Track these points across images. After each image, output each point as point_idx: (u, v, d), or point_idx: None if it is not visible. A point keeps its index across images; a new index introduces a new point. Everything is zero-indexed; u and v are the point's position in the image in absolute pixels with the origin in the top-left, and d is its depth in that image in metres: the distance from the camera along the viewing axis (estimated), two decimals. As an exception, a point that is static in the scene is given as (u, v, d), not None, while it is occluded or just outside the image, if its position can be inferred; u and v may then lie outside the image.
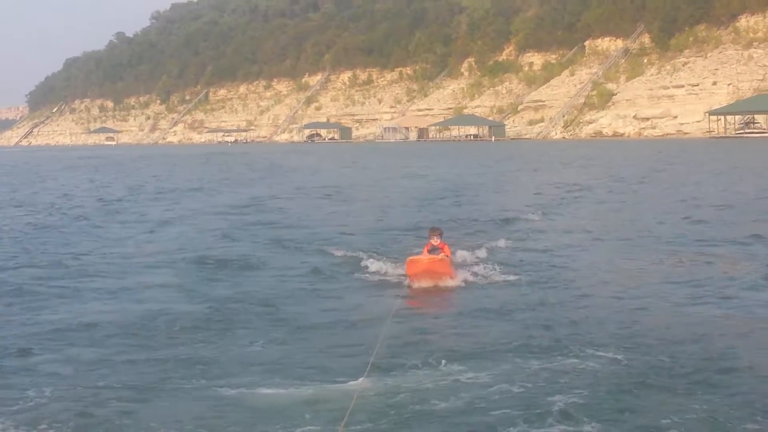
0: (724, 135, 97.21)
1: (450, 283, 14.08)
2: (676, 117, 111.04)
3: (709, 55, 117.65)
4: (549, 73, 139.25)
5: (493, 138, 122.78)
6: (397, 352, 9.89)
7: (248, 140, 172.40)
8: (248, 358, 9.83)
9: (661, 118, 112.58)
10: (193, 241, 19.92)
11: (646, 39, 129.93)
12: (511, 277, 14.42)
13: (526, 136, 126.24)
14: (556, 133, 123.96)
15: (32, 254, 18.05)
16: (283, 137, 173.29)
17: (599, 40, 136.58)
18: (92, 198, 33.96)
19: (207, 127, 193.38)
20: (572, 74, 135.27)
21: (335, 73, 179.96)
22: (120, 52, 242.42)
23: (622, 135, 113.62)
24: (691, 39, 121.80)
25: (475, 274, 14.70)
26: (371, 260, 16.11)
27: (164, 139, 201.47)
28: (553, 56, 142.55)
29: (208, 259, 17.00)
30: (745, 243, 17.38)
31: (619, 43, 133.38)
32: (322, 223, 23.18)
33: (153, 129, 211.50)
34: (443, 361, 9.44)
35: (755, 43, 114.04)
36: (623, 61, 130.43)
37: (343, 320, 11.72)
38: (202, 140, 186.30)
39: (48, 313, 12.34)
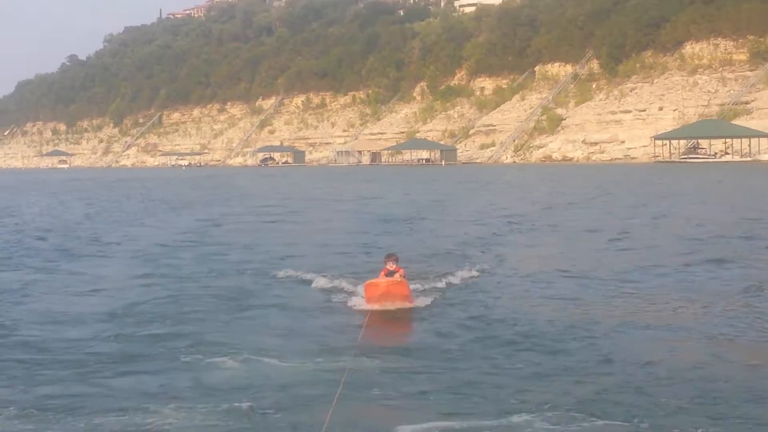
0: (669, 160, 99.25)
1: (408, 305, 14.11)
2: (623, 142, 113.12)
3: (655, 81, 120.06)
4: (500, 97, 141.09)
5: (443, 162, 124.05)
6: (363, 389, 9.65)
7: (202, 164, 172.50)
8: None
9: (609, 142, 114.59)
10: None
11: (594, 65, 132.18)
12: (464, 301, 14.69)
13: (478, 161, 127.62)
14: (507, 158, 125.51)
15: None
16: (237, 161, 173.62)
17: (549, 66, 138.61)
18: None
19: (161, 151, 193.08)
20: (523, 99, 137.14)
21: (289, 97, 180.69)
22: (73, 74, 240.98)
23: (571, 159, 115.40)
24: (638, 65, 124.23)
25: (431, 298, 14.78)
26: (323, 279, 16.47)
27: (117, 162, 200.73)
28: (504, 81, 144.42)
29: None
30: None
31: (569, 69, 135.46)
32: (272, 245, 23.55)
33: (106, 152, 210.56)
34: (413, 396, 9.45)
35: (700, 70, 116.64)
36: (572, 86, 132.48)
37: (306, 348, 11.53)
38: (156, 163, 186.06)
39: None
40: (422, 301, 14.47)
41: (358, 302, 14.41)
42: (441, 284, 16.20)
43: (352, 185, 64.78)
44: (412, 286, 14.87)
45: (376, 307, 13.82)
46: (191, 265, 19.82)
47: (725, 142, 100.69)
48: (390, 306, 13.87)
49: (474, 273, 17.50)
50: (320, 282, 16.56)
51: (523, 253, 21.45)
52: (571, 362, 10.62)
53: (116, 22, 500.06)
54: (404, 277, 14.53)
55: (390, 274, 14.48)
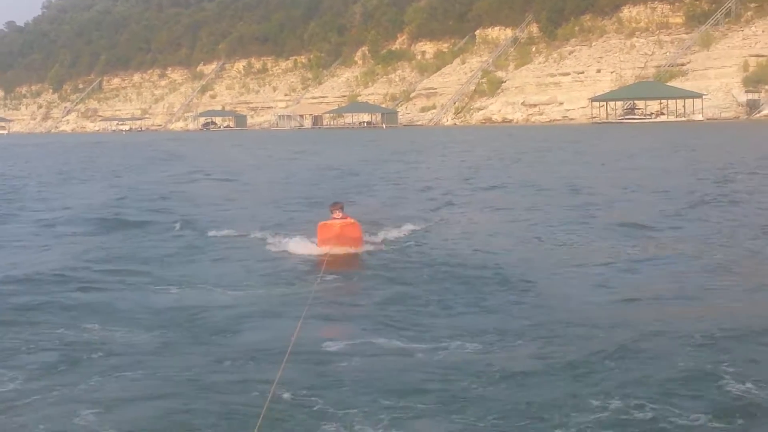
0: (606, 121, 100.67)
1: (360, 249, 14.43)
2: (562, 104, 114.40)
3: (593, 44, 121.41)
4: (441, 61, 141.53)
5: (384, 125, 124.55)
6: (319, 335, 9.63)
7: (143, 129, 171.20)
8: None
9: (548, 104, 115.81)
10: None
11: (534, 28, 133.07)
12: (419, 243, 15.28)
13: (419, 123, 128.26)
14: (448, 120, 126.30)
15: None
16: (178, 125, 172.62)
17: (489, 30, 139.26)
18: None
19: (101, 116, 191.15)
20: (463, 62, 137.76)
21: (230, 62, 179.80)
22: (11, 41, 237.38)
23: (510, 121, 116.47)
24: (576, 29, 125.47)
25: (382, 242, 15.30)
26: (274, 237, 16.16)
27: (57, 128, 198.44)
28: (445, 45, 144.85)
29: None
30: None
31: (509, 33, 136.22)
32: (220, 206, 23.39)
33: (45, 118, 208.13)
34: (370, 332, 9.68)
35: (637, 33, 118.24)
36: (512, 49, 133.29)
37: (263, 302, 11.35)
38: (96, 129, 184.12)
39: None
40: (372, 246, 14.78)
41: (309, 246, 14.69)
42: (387, 233, 16.41)
43: (292, 147, 64.88)
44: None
45: (328, 249, 13.96)
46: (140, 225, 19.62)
47: (660, 103, 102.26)
48: (341, 249, 14.02)
49: (418, 225, 17.68)
50: (259, 234, 16.65)
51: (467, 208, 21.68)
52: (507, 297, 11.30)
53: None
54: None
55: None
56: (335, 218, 14.40)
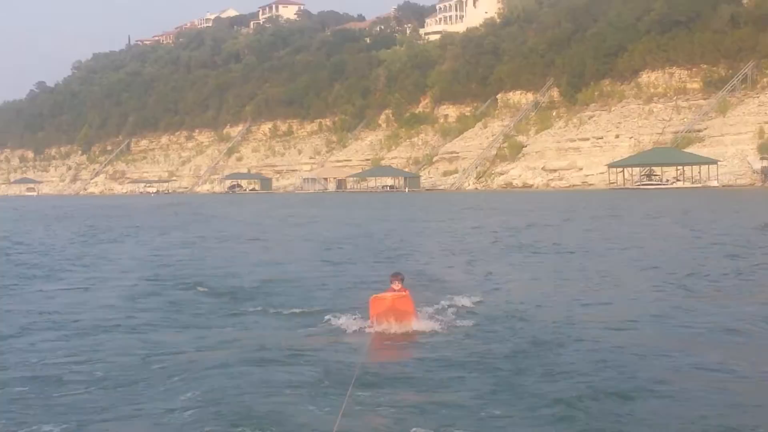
0: (623, 186, 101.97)
1: (414, 324, 14.00)
2: (581, 169, 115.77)
3: (613, 109, 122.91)
4: (463, 125, 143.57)
5: (407, 189, 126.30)
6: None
7: (170, 191, 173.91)
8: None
9: (568, 169, 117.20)
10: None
11: (555, 93, 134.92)
12: (471, 322, 14.53)
13: (441, 187, 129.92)
14: (469, 184, 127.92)
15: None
16: (205, 188, 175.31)
17: (511, 94, 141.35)
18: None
19: (129, 178, 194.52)
20: (485, 126, 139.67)
21: (256, 124, 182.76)
22: (41, 101, 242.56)
23: (531, 186, 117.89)
24: (596, 93, 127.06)
25: (436, 318, 14.73)
26: (329, 315, 15.40)
27: (86, 189, 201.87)
28: (467, 108, 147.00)
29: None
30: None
31: (530, 97, 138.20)
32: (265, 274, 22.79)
33: (74, 179, 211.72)
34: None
35: (655, 98, 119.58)
36: (533, 114, 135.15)
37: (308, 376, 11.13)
38: (124, 191, 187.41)
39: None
40: (426, 324, 14.24)
41: (359, 322, 14.36)
42: (442, 306, 15.94)
43: (325, 211, 65.95)
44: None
45: (380, 323, 13.82)
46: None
47: (677, 169, 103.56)
48: (394, 324, 13.79)
49: (472, 298, 17.05)
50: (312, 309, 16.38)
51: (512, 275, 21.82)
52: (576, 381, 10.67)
53: (84, 49, 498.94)
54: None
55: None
56: (394, 288, 14.20)
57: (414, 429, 8.64)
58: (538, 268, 23.17)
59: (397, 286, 14.22)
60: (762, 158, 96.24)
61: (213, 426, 9.04)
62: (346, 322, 14.59)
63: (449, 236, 37.07)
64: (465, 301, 16.65)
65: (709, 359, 11.65)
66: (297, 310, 16.36)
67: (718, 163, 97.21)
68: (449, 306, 16.04)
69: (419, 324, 14.13)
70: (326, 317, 15.19)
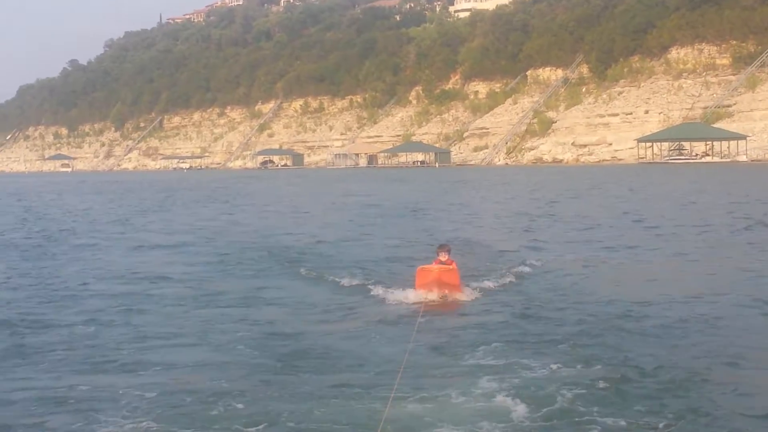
0: (653, 161, 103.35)
1: (459, 296, 14.33)
2: (611, 144, 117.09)
3: (642, 85, 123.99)
4: (493, 101, 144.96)
5: (437, 164, 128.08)
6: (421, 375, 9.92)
7: (202, 167, 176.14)
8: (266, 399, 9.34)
9: (597, 145, 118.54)
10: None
11: (584, 69, 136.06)
12: (515, 294, 14.85)
13: (471, 163, 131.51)
14: (500, 160, 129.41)
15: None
16: (237, 164, 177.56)
17: (540, 70, 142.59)
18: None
19: (162, 154, 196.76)
20: (515, 102, 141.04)
21: (287, 101, 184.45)
22: (74, 79, 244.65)
23: (561, 161, 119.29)
24: (626, 70, 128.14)
25: (481, 289, 15.00)
26: (376, 285, 15.89)
27: (119, 165, 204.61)
28: (497, 85, 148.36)
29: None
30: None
31: (559, 73, 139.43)
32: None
33: (108, 156, 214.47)
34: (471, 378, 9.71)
35: (685, 74, 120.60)
36: (563, 90, 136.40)
37: (364, 345, 11.58)
38: (157, 167, 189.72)
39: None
40: (470, 294, 14.62)
41: (408, 292, 14.63)
42: (485, 276, 16.42)
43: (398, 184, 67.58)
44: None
45: (426, 292, 14.16)
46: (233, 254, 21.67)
47: (706, 144, 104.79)
48: (439, 293, 14.14)
49: (520, 267, 17.62)
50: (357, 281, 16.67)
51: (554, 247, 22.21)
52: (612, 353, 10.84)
53: (117, 27, 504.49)
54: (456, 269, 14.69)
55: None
56: (440, 260, 14.56)
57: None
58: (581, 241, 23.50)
59: (444, 257, 14.63)
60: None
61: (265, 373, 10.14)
62: (395, 292, 14.89)
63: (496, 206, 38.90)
64: (508, 272, 16.98)
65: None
66: (352, 279, 16.77)
67: (747, 138, 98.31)
68: (496, 276, 16.45)
69: (465, 295, 14.50)
70: (375, 286, 15.72)
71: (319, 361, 10.65)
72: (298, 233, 27.20)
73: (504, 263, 18.50)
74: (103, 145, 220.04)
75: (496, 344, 11.13)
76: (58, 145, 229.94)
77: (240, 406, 8.95)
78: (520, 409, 8.57)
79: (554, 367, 9.97)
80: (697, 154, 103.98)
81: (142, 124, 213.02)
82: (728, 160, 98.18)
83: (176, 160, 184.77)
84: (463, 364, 10.31)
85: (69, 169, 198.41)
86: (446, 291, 14.22)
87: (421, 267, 14.64)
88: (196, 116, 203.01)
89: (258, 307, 14.44)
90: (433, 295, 14.12)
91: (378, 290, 15.34)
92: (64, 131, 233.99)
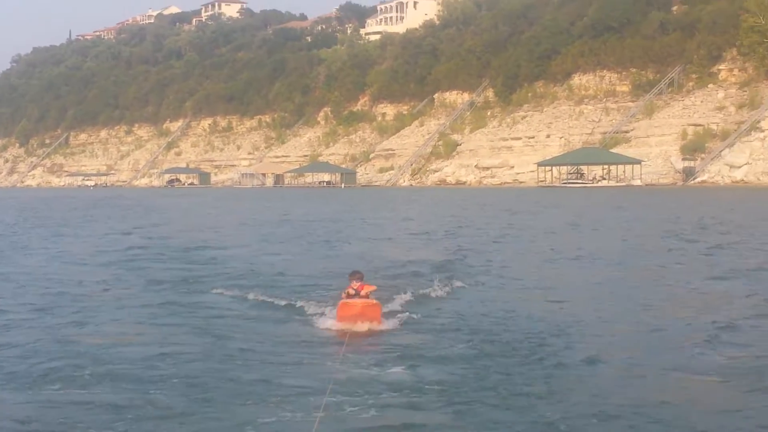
0: (551, 184, 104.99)
1: (380, 327, 13.89)
2: (513, 167, 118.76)
3: (545, 109, 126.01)
4: (400, 123, 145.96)
5: (342, 185, 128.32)
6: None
7: (108, 184, 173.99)
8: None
9: (500, 167, 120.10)
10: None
11: (490, 93, 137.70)
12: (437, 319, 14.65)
13: (377, 183, 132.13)
14: (404, 181, 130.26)
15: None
16: (143, 182, 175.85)
17: (447, 93, 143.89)
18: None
19: (66, 171, 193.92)
20: (422, 125, 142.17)
21: (196, 120, 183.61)
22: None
23: (464, 183, 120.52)
24: (530, 94, 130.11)
25: (400, 318, 14.60)
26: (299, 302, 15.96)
27: (22, 182, 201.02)
28: (405, 107, 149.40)
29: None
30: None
31: (466, 97, 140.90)
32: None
33: (11, 172, 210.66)
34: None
35: (586, 100, 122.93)
36: (468, 113, 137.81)
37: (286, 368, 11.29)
38: (62, 184, 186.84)
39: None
40: (390, 323, 14.18)
41: (327, 321, 14.35)
42: (399, 302, 16.07)
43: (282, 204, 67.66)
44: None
45: (346, 326, 13.72)
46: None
47: (603, 168, 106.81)
48: (360, 327, 13.68)
49: (430, 290, 17.52)
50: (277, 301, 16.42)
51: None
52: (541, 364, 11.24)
53: (24, 43, 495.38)
54: (374, 293, 14.42)
55: (355, 292, 14.25)
56: (353, 287, 14.24)
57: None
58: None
59: (355, 285, 14.26)
60: (684, 159, 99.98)
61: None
62: (318, 318, 14.70)
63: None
64: (426, 293, 17.09)
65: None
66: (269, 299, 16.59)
67: (643, 162, 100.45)
68: (411, 300, 16.32)
69: (386, 325, 14.03)
70: (299, 306, 15.60)
71: (239, 386, 10.35)
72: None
73: (414, 284, 18.24)
74: (6, 161, 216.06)
75: (415, 365, 11.17)
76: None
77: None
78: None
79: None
80: (593, 178, 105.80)
81: (47, 141, 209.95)
82: (623, 184, 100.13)
83: (81, 177, 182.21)
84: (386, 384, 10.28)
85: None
86: (369, 323, 13.79)
87: (343, 302, 14.16)
88: (103, 133, 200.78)
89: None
90: (356, 328, 13.64)
91: (301, 313, 15.21)
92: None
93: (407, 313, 14.87)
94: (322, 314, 14.76)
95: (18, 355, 11.88)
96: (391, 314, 14.62)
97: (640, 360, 11.42)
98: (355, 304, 13.85)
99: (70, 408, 9.41)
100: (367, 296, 14.16)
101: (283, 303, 16.06)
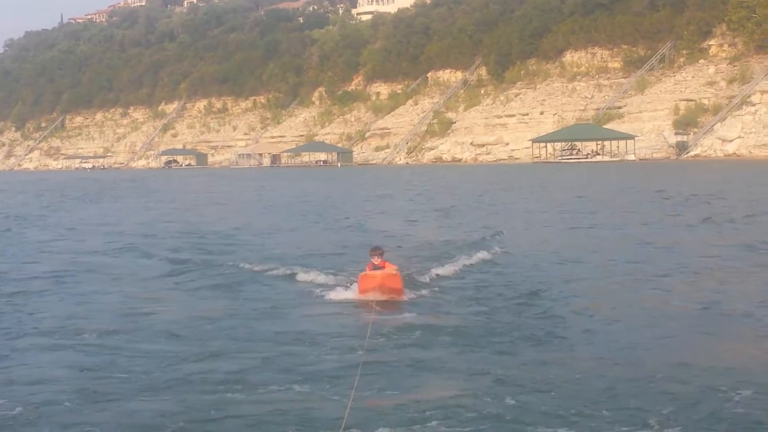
0: (546, 160, 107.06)
1: (401, 298, 14.19)
2: (507, 144, 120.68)
3: (538, 87, 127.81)
4: (395, 102, 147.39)
5: (339, 164, 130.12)
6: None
7: (105, 167, 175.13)
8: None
9: (495, 144, 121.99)
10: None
11: (483, 71, 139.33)
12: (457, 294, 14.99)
13: (373, 162, 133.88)
14: (400, 159, 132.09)
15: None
16: (140, 164, 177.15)
17: (440, 72, 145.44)
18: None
19: (63, 154, 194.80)
20: (416, 103, 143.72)
21: (191, 102, 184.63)
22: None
23: (460, 160, 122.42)
24: (522, 72, 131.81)
25: (421, 292, 14.89)
26: (314, 274, 16.65)
27: (20, 165, 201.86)
28: (399, 86, 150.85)
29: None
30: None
31: (459, 75, 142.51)
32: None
33: (8, 156, 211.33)
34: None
35: (578, 77, 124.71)
36: (462, 91, 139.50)
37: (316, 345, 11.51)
38: (59, 167, 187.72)
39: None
40: (413, 295, 14.55)
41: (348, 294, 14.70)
42: (424, 276, 16.50)
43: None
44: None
45: (369, 297, 13.92)
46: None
47: (597, 144, 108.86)
48: (382, 298, 13.92)
49: (450, 262, 18.05)
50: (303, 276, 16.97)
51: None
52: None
53: (16, 27, 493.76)
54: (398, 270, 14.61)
55: (375, 269, 14.51)
56: (374, 263, 14.56)
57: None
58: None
59: (377, 260, 14.54)
60: (677, 133, 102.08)
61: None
62: (338, 292, 15.02)
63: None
64: (444, 270, 17.25)
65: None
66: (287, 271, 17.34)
67: (636, 138, 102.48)
68: (434, 274, 16.67)
69: (408, 297, 14.32)
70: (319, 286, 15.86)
71: (274, 359, 10.72)
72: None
73: (434, 258, 18.87)
74: (2, 145, 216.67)
75: (446, 341, 11.43)
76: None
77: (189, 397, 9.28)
78: (475, 404, 8.76)
79: (506, 362, 10.32)
80: (587, 154, 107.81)
81: (43, 124, 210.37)
82: (617, 159, 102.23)
83: (78, 160, 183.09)
84: (419, 362, 10.44)
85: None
86: (389, 295, 14.06)
87: (363, 273, 14.48)
88: (99, 116, 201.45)
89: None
90: (376, 298, 13.89)
91: (322, 289, 15.48)
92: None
93: (431, 285, 15.46)
94: (346, 287, 15.14)
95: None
96: (412, 284, 15.15)
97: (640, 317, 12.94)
98: (375, 275, 14.20)
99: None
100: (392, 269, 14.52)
101: (308, 277, 16.68)
